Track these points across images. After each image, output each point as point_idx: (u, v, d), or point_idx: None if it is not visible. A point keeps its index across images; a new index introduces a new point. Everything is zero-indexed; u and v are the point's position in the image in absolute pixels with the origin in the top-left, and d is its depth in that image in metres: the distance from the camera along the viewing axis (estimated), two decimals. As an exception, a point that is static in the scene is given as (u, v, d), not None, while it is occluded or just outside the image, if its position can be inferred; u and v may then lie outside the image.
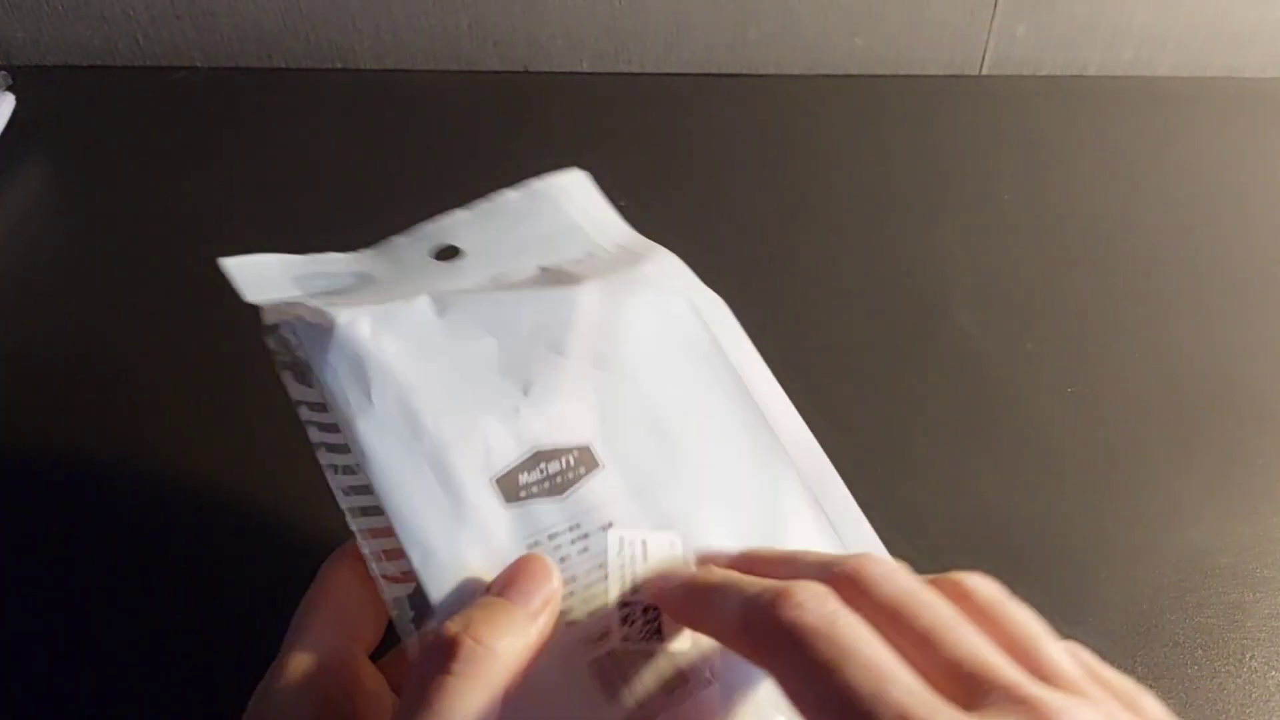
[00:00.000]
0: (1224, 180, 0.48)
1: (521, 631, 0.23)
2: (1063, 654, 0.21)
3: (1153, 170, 0.49)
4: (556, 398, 0.26)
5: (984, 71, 0.54)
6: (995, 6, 0.51)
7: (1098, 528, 0.34)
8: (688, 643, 0.24)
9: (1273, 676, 0.31)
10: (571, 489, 0.25)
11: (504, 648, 0.22)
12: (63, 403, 0.38)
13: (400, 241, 0.31)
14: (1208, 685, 0.31)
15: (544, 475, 0.25)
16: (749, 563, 0.24)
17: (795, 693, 0.19)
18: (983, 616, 0.21)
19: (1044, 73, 0.53)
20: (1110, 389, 0.39)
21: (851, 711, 0.18)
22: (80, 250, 0.44)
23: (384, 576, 0.24)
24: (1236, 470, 0.37)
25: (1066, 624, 0.29)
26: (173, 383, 0.38)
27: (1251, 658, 0.31)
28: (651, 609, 0.24)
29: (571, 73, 0.54)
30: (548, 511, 0.25)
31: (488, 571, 0.24)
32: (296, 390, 0.26)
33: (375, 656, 0.26)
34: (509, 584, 0.24)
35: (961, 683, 0.19)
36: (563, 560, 0.24)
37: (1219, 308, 0.43)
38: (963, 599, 0.21)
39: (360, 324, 0.26)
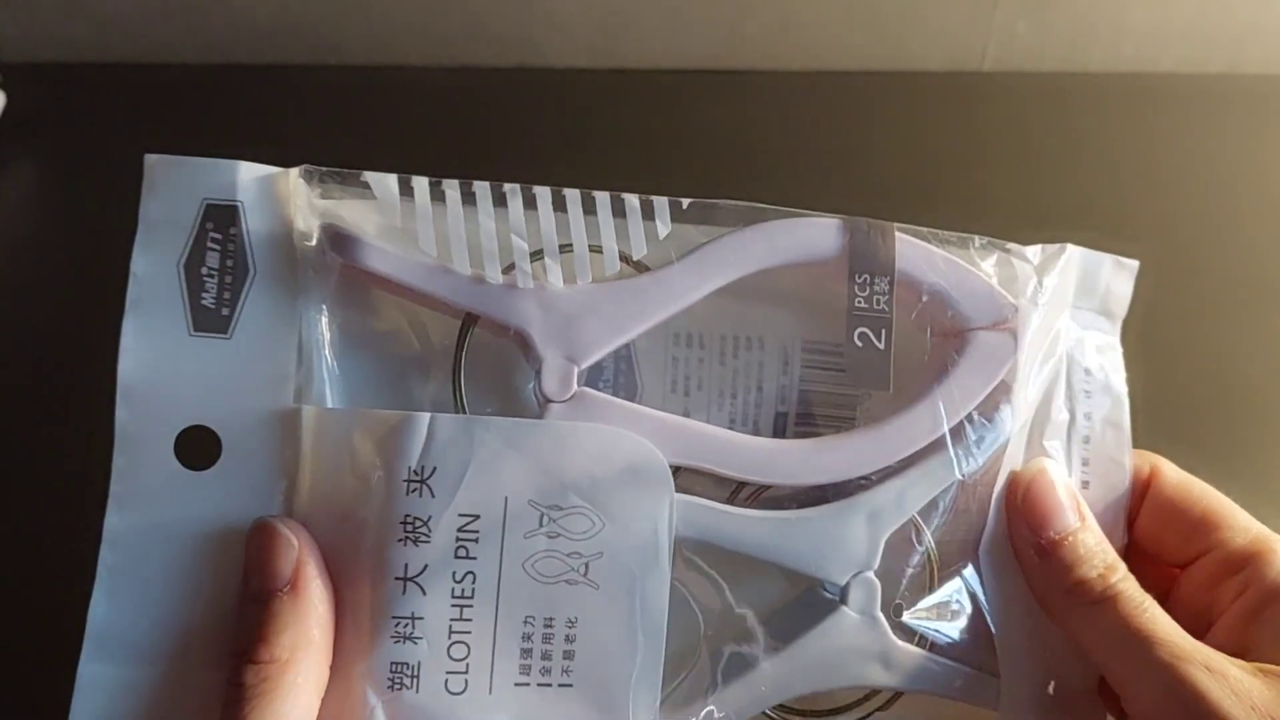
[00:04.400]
0: (1225, 177, 0.48)
1: (291, 621, 0.22)
2: None
3: (1153, 167, 0.48)
4: None
5: (984, 68, 0.53)
6: (996, 3, 0.51)
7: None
8: None
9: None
10: None
11: (282, 651, 0.22)
12: (56, 405, 0.38)
13: None
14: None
15: None
16: None
17: None
18: None
19: (1045, 69, 0.53)
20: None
21: None
22: (73, 248, 0.44)
23: None
24: (1235, 471, 0.37)
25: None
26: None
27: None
28: None
29: (567, 69, 0.53)
30: None
31: None
32: None
33: None
34: (251, 572, 0.23)
35: None
36: None
37: (1219, 305, 0.43)
38: None
39: None
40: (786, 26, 0.52)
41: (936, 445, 0.28)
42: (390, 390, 0.27)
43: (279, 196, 0.27)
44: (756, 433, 0.29)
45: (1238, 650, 0.25)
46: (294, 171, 0.27)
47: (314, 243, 0.26)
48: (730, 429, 0.28)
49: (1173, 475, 0.29)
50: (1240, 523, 0.28)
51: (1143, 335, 0.43)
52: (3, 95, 0.49)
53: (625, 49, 0.53)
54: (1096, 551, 0.26)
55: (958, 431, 0.28)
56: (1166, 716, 0.23)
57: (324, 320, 0.26)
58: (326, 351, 0.27)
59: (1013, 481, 0.28)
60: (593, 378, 0.28)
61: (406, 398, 0.27)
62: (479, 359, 0.27)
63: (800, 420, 0.29)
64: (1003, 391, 0.28)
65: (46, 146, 0.48)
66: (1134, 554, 0.29)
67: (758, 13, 0.52)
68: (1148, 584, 0.26)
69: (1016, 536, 0.27)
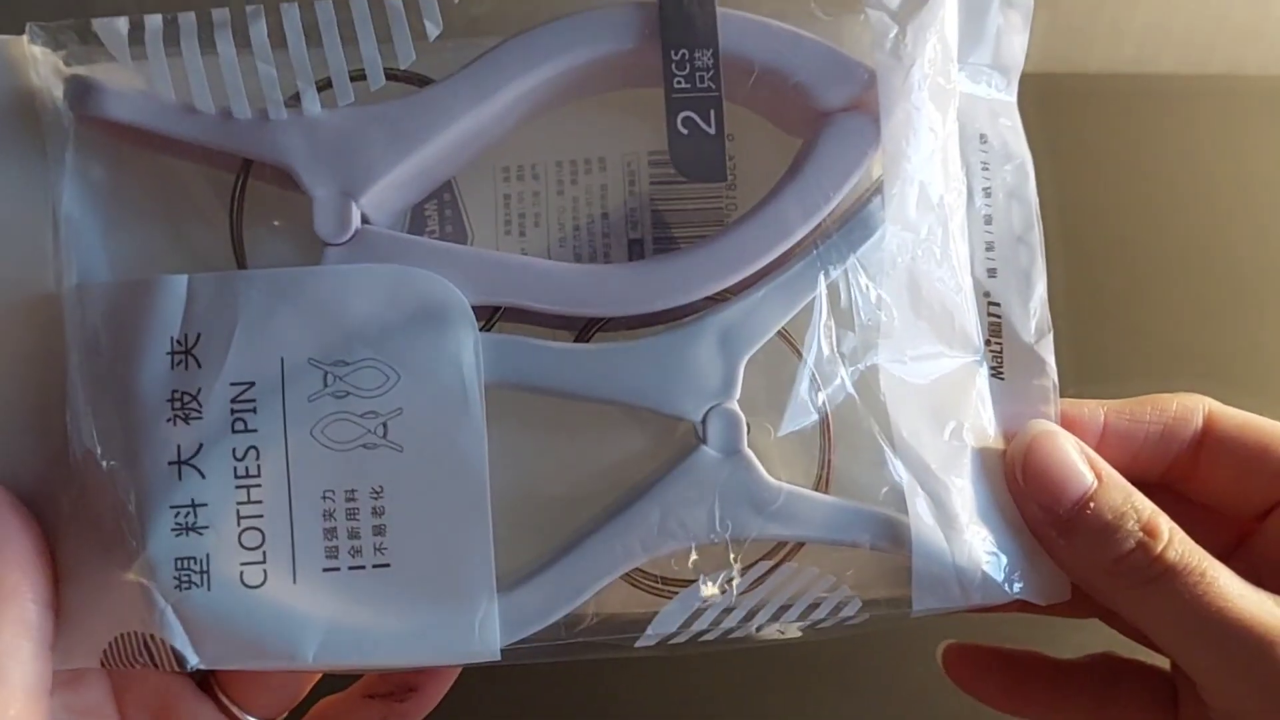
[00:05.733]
0: (1226, 177, 0.48)
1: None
2: None
3: (1154, 167, 0.48)
4: None
5: (984, 68, 0.53)
6: (996, 3, 0.51)
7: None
8: None
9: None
10: None
11: None
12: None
13: None
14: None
15: None
16: None
17: None
18: None
19: (1045, 69, 0.53)
20: (1108, 388, 0.39)
21: None
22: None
23: None
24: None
25: (1073, 629, 0.29)
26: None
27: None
28: None
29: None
30: None
31: None
32: None
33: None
34: None
35: None
36: None
37: (1220, 305, 0.43)
38: None
39: None
40: (787, 26, 0.52)
41: (797, 250, 0.23)
42: (168, 257, 0.24)
43: (13, 66, 0.23)
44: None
45: None
46: (25, 36, 0.23)
47: (59, 107, 0.23)
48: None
49: (1231, 416, 0.25)
50: None
51: (1143, 335, 0.43)
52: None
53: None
54: (1126, 511, 0.22)
55: (820, 231, 0.23)
56: (1263, 712, 0.20)
57: (80, 190, 0.23)
58: (87, 225, 0.23)
59: (1010, 455, 0.23)
60: (416, 227, 0.25)
61: (186, 264, 0.23)
62: (275, 212, 0.24)
63: (660, 245, 0.25)
64: (871, 177, 0.24)
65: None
66: (1200, 513, 0.24)
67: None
68: (1219, 542, 0.22)
69: (1030, 519, 0.23)
